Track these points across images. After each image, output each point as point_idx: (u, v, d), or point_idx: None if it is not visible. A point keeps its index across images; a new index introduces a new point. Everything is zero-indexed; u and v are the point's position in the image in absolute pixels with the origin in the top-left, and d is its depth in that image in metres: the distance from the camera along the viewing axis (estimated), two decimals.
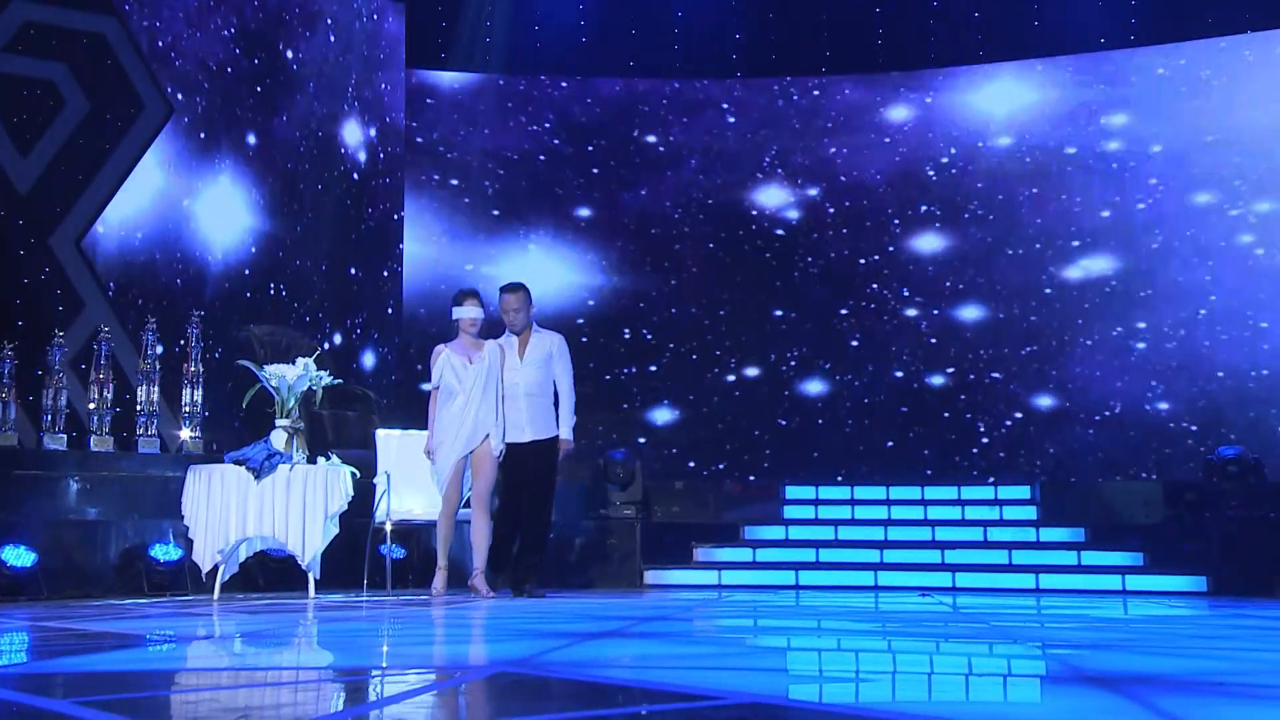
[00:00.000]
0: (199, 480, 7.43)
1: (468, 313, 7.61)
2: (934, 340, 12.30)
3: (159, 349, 8.56)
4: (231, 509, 7.30)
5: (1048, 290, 12.17)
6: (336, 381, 8.37)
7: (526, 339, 7.84)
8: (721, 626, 5.38)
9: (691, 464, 12.06)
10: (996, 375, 12.04)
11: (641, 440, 12.22)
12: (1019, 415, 11.92)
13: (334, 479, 7.49)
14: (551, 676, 3.27)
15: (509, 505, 7.80)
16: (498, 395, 7.59)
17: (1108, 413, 11.64)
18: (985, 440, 11.85)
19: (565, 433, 7.81)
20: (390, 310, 11.75)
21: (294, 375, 7.82)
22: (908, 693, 3.19)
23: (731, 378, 12.53)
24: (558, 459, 7.82)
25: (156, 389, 8.58)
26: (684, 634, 4.73)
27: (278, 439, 7.68)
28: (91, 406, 8.39)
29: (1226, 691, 3.20)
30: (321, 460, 7.68)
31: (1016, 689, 3.42)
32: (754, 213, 12.83)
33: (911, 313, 12.41)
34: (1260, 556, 8.45)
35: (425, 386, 8.75)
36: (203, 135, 10.10)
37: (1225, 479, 8.78)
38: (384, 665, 3.76)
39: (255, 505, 7.33)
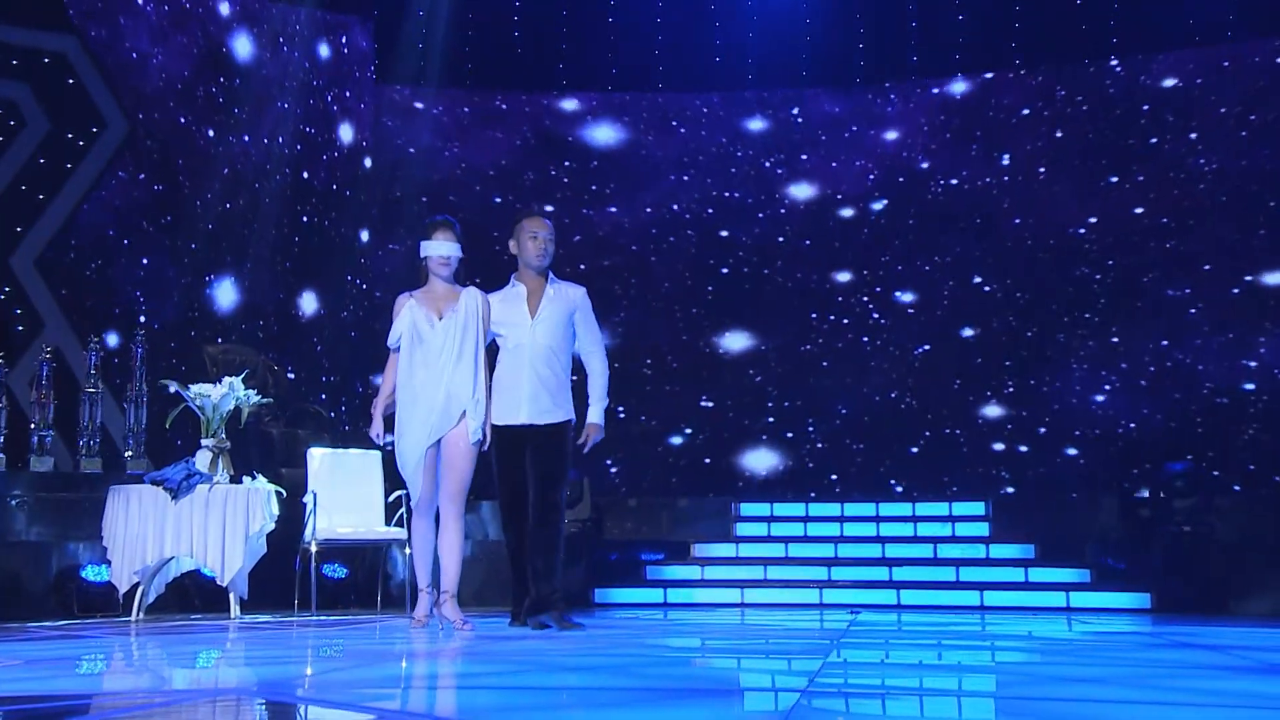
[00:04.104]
0: (118, 500, 7.49)
1: (438, 249, 5.96)
2: (899, 357, 12.09)
3: (94, 370, 8.61)
4: (149, 529, 7.33)
5: (1024, 304, 11.96)
6: (266, 400, 8.40)
7: (539, 289, 6.13)
8: (562, 648, 5.09)
9: (645, 481, 11.91)
10: (957, 392, 11.83)
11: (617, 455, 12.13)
12: (978, 431, 11.69)
13: (255, 499, 7.49)
14: (274, 699, 3.25)
15: (515, 512, 6.10)
16: (477, 361, 5.89)
17: (1076, 430, 11.37)
18: (943, 457, 11.60)
19: (596, 415, 6.14)
20: (354, 335, 11.76)
21: (219, 394, 7.85)
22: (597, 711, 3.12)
23: (706, 391, 12.39)
24: (569, 449, 6.08)
25: (100, 409, 8.66)
26: (508, 654, 4.68)
27: (202, 459, 7.72)
28: (33, 426, 8.49)
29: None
30: (246, 480, 7.69)
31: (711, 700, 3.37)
32: (726, 231, 12.71)
33: (882, 329, 12.21)
34: (1203, 573, 8.24)
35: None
36: (165, 153, 10.18)
37: (1172, 494, 8.58)
38: (118, 689, 3.73)
39: (173, 525, 7.35)
